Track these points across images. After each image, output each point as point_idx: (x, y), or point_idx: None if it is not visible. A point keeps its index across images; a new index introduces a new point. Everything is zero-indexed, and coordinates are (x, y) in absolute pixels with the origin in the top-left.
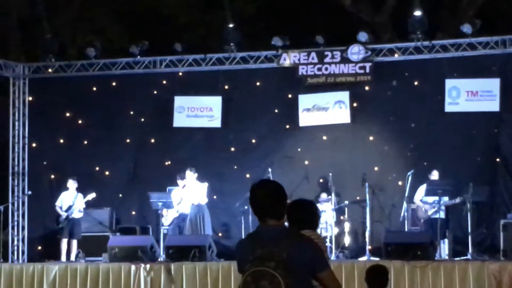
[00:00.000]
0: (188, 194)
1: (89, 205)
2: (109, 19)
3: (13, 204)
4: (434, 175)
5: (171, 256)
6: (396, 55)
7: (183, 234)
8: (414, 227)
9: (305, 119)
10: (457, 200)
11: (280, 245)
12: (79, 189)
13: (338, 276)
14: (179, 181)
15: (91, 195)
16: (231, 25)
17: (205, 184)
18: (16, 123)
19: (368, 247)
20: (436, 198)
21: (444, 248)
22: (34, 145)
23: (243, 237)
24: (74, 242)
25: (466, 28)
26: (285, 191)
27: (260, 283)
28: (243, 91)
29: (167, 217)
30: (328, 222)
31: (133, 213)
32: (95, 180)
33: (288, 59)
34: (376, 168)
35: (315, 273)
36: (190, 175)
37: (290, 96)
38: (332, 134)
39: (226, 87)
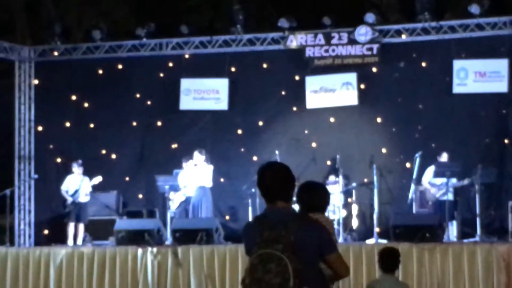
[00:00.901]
0: (194, 176)
1: (96, 188)
2: (115, 2)
3: (19, 188)
4: (443, 157)
5: (178, 240)
6: (403, 36)
7: (188, 217)
8: (422, 209)
9: (312, 101)
10: (465, 181)
11: (288, 227)
12: (85, 173)
13: (346, 258)
14: (184, 164)
15: (97, 179)
16: (237, 7)
17: (211, 167)
18: (22, 106)
19: (376, 229)
20: (444, 180)
21: (452, 230)
22: (40, 128)
23: (250, 220)
24: (81, 226)
25: (474, 8)
26: (293, 173)
27: (267, 265)
28: (249, 73)
29: (174, 201)
30: (335, 205)
31: (140, 196)
32: (101, 164)
33: (295, 41)
34: (384, 150)
35: (322, 256)
36: (198, 156)
37: (297, 78)
38: (339, 116)
39: (233, 69)
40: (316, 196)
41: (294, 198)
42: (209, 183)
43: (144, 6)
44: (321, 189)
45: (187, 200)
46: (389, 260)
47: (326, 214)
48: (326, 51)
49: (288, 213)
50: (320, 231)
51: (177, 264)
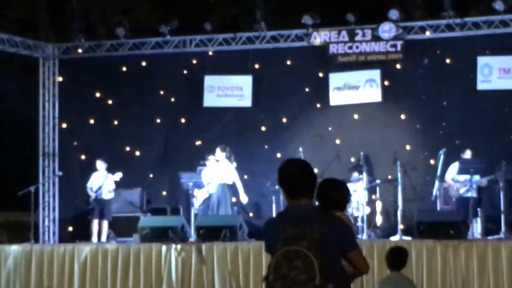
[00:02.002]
0: (216, 173)
1: (119, 185)
2: None
3: (43, 185)
4: (467, 154)
5: (202, 237)
6: (427, 33)
7: (212, 214)
8: (446, 205)
9: (336, 98)
10: (483, 181)
11: (312, 224)
12: (109, 170)
13: (369, 255)
14: (208, 162)
15: (118, 175)
16: (260, 3)
17: (234, 165)
18: (46, 103)
19: (400, 226)
20: (468, 176)
21: (476, 227)
22: (64, 125)
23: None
24: (105, 223)
25: (498, 5)
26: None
27: (293, 262)
28: (273, 70)
29: (198, 198)
30: (359, 202)
31: (164, 193)
32: (125, 161)
33: (318, 38)
34: (408, 147)
35: (345, 252)
36: (219, 153)
37: (320, 75)
38: (363, 113)
39: (256, 66)
40: (336, 194)
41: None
42: (230, 180)
43: (167, 3)
44: (341, 186)
45: (210, 197)
46: (396, 258)
47: (350, 211)
48: (350, 47)
49: (311, 210)
50: (343, 228)
51: (201, 261)
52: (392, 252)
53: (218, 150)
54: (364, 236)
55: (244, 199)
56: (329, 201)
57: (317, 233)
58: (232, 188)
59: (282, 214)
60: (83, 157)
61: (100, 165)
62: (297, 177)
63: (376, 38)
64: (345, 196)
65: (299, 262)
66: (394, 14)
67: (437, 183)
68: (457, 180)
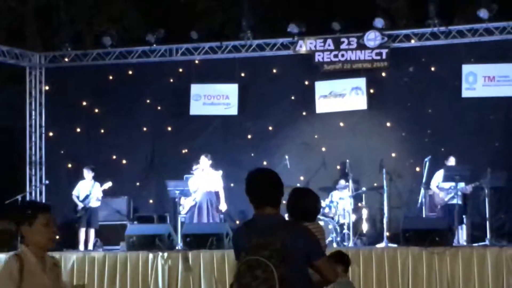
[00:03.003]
0: (202, 181)
1: (106, 194)
2: (125, 8)
3: (30, 193)
4: (451, 161)
5: (189, 244)
6: (412, 41)
7: (198, 222)
8: (432, 213)
9: (322, 106)
10: (468, 188)
11: (276, 234)
12: (96, 178)
13: (355, 262)
14: (194, 170)
15: (107, 184)
16: (247, 12)
17: (219, 172)
18: (33, 112)
19: (386, 233)
20: (453, 184)
21: (462, 234)
22: (51, 134)
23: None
24: (92, 231)
25: (483, 13)
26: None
27: (254, 272)
28: (259, 79)
29: (184, 206)
30: (345, 209)
31: (151, 201)
32: (112, 169)
33: (304, 46)
34: (393, 154)
35: (310, 261)
36: (205, 161)
37: (306, 83)
38: (349, 121)
39: (243, 74)
40: (306, 203)
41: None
42: (216, 188)
43: (154, 12)
44: (311, 196)
45: (196, 205)
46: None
47: (336, 218)
48: (336, 56)
49: (276, 219)
50: (307, 237)
51: (188, 269)
52: (332, 256)
53: (202, 158)
54: (350, 244)
55: (223, 207)
56: (298, 211)
57: (280, 242)
58: (218, 195)
59: (248, 223)
60: (70, 165)
61: (87, 173)
62: (262, 186)
63: (361, 46)
64: (315, 206)
65: (260, 271)
66: (379, 22)
67: (422, 190)
68: (442, 187)
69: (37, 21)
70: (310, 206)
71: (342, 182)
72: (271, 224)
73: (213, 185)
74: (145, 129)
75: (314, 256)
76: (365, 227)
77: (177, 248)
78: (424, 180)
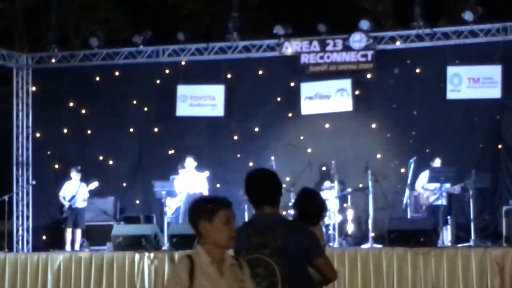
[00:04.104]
0: (187, 182)
1: (93, 194)
2: (112, 9)
3: (17, 194)
4: (436, 162)
5: (175, 245)
6: (398, 43)
7: (184, 223)
8: (417, 214)
9: (308, 107)
10: (456, 188)
11: (275, 232)
12: (83, 179)
13: (341, 263)
14: (180, 170)
15: (94, 184)
16: (233, 14)
17: (205, 173)
18: (20, 113)
19: (371, 234)
20: (438, 185)
21: (446, 235)
22: (38, 135)
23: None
24: (78, 232)
25: (468, 15)
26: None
27: (255, 270)
28: (245, 80)
29: (170, 206)
30: (331, 210)
31: (137, 202)
32: (99, 170)
33: (290, 48)
34: (378, 156)
35: (310, 260)
36: (190, 162)
37: (292, 84)
38: (334, 122)
39: (229, 76)
40: (313, 207)
41: (291, 204)
42: (201, 189)
43: (141, 14)
44: (320, 200)
45: (181, 206)
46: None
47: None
48: (321, 57)
49: (275, 219)
50: (307, 235)
51: None
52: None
53: (188, 159)
54: (336, 244)
55: None
56: (308, 215)
57: (280, 240)
58: None
59: (247, 223)
60: (56, 166)
61: (74, 174)
62: (261, 186)
63: (347, 48)
64: (322, 210)
65: (261, 269)
66: (365, 24)
67: (407, 191)
68: (427, 188)
69: (24, 22)
70: (316, 209)
71: (327, 183)
72: (270, 223)
73: (197, 187)
74: (131, 130)
75: (314, 255)
76: (350, 228)
77: (163, 248)
78: (409, 181)
